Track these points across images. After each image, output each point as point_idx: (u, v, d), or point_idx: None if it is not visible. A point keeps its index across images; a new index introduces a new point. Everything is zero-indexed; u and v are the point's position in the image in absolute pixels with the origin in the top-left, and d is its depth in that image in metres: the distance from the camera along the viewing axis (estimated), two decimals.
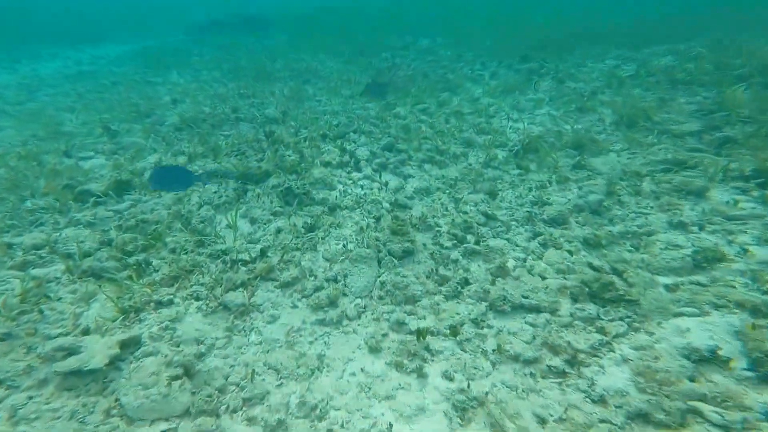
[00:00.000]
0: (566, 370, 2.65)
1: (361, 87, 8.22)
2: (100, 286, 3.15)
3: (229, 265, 3.38)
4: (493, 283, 3.30)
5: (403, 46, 13.19)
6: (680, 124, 5.50)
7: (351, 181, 4.76)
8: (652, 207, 4.07)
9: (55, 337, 2.69)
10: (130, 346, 2.71)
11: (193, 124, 6.54)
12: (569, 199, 4.28)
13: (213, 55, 13.83)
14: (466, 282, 3.31)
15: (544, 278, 3.36)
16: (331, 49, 13.63)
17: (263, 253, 3.47)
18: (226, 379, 2.61)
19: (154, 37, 22.50)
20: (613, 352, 2.71)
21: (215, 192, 4.38)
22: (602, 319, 2.96)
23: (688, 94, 6.54)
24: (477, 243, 3.73)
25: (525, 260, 3.53)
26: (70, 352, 2.51)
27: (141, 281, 3.21)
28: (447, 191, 4.56)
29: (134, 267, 3.31)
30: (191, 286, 3.21)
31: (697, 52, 8.33)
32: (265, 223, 3.95)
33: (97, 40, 22.04)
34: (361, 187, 4.65)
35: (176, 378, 2.55)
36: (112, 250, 3.48)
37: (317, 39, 16.22)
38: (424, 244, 3.66)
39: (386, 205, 4.27)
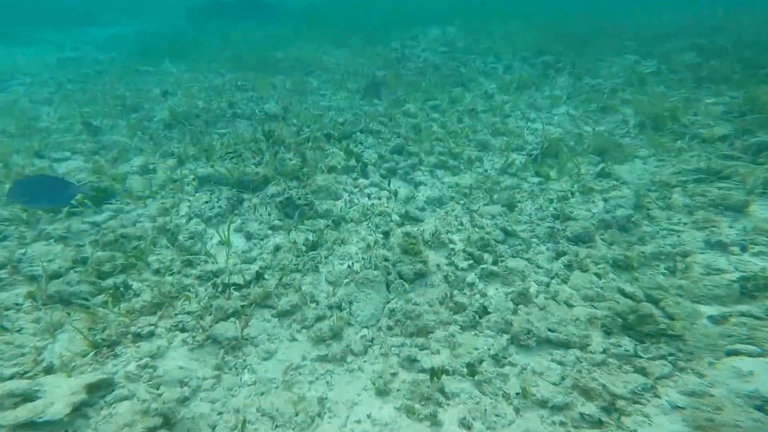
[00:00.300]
0: (603, 420, 2.37)
1: (368, 81, 7.83)
2: (68, 314, 2.83)
3: (220, 290, 3.07)
4: (514, 312, 3.01)
5: (413, 36, 12.75)
6: (710, 128, 5.20)
7: (357, 189, 4.43)
8: (685, 223, 3.78)
9: (10, 378, 2.38)
10: (100, 389, 2.40)
11: (185, 121, 6.14)
12: (594, 213, 3.98)
13: (211, 43, 13.35)
14: (484, 310, 3.02)
15: (570, 306, 3.07)
16: (337, 38, 13.19)
17: (259, 275, 3.15)
18: (213, 430, 2.32)
19: (152, 20, 21.77)
20: (659, 397, 2.43)
21: (207, 202, 4.03)
22: (641, 357, 2.68)
23: (714, 94, 6.24)
24: (495, 263, 3.43)
25: (548, 285, 3.24)
26: (25, 397, 2.20)
27: (118, 308, 2.90)
28: (461, 201, 4.25)
29: (111, 291, 2.98)
30: (176, 314, 2.90)
31: (721, 48, 8.02)
32: (262, 239, 3.62)
33: (86, 22, 21.19)
34: (369, 196, 4.33)
35: (154, 429, 2.25)
36: (85, 271, 3.15)
37: (323, 27, 15.81)
38: (438, 265, 3.36)
39: (396, 217, 3.95)
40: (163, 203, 4.07)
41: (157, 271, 3.22)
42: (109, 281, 3.07)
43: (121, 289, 3.00)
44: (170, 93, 7.67)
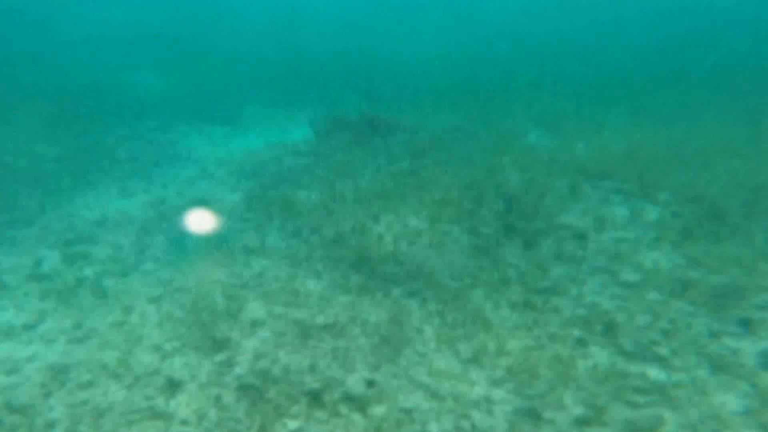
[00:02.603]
0: None
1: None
2: None
3: None
4: None
5: (579, 235, 8.21)
6: None
7: None
8: None
9: None
10: None
11: (258, 392, 4.87)
12: None
13: (317, 196, 12.64)
14: None
15: None
16: (460, 204, 10.46)
17: None
18: None
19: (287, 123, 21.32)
20: None
21: None
22: None
23: None
24: None
25: None
26: None
27: None
28: None
29: None
30: None
31: None
32: None
33: (232, 118, 20.08)
34: None
35: None
36: None
37: (444, 174, 14.49)
38: None
39: None
40: None
41: None
42: None
43: None
44: (259, 323, 6.28)
